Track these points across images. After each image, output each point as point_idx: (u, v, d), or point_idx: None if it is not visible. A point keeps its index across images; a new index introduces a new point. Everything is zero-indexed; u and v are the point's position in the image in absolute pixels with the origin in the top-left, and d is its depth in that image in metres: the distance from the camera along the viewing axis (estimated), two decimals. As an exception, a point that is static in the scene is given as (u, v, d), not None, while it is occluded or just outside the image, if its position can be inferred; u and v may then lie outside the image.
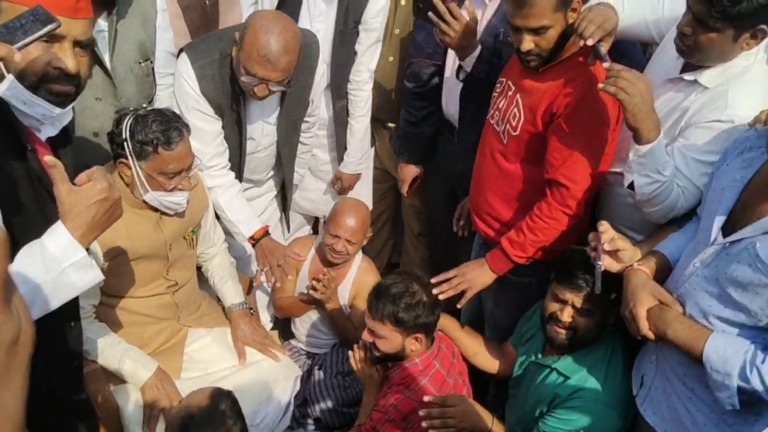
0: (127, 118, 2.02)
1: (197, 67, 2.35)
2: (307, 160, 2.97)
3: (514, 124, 2.11)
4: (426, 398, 2.15)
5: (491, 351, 2.45)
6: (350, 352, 2.38)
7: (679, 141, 1.85)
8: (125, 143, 2.00)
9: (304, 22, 2.79)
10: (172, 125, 2.03)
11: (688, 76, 1.84)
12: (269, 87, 2.26)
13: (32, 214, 1.45)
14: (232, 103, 2.44)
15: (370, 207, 3.10)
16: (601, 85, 1.76)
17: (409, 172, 2.98)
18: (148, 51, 2.45)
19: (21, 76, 1.35)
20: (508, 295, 2.33)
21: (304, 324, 2.97)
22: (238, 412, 1.74)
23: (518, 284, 2.28)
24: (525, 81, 2.09)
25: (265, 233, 2.57)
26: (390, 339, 2.16)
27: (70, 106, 1.47)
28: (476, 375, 2.44)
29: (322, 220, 3.09)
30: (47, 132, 1.48)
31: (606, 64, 1.78)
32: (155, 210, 2.18)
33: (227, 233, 2.73)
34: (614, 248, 1.79)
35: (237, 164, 2.62)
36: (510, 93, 2.14)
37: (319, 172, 3.16)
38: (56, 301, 1.38)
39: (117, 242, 2.09)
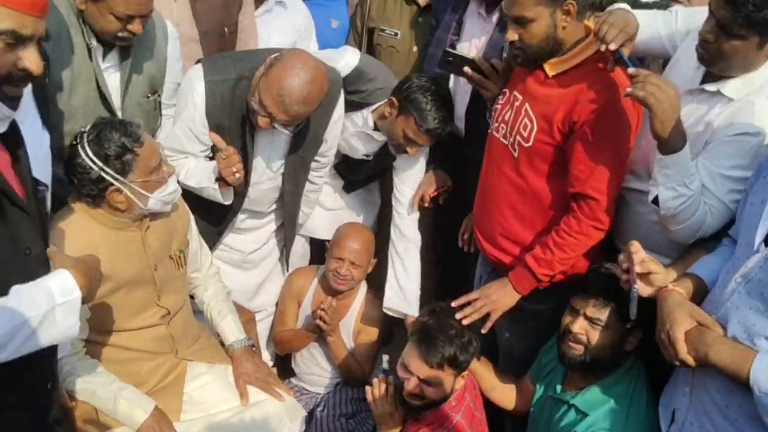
0: (82, 152, 1.92)
1: (209, 81, 2.32)
2: (314, 200, 2.91)
3: (525, 134, 2.08)
4: None
5: (508, 385, 2.38)
6: (368, 388, 2.26)
7: (703, 156, 1.82)
8: (103, 173, 1.92)
9: None
10: (125, 123, 1.98)
11: (710, 87, 1.83)
12: (273, 123, 2.24)
13: None
14: (238, 128, 2.40)
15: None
16: (629, 90, 1.73)
17: (441, 178, 2.79)
18: (157, 84, 2.40)
19: None
20: (523, 323, 2.27)
21: (305, 361, 2.87)
22: None
23: (534, 312, 2.23)
24: (534, 88, 2.07)
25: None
26: (446, 384, 2.08)
27: (19, 108, 1.45)
28: (491, 410, 2.36)
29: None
30: None
31: (631, 69, 1.76)
32: (141, 222, 2.10)
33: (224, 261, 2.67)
34: (646, 270, 1.75)
35: (241, 192, 2.56)
36: (517, 104, 2.12)
37: (326, 201, 3.06)
38: (33, 342, 1.42)
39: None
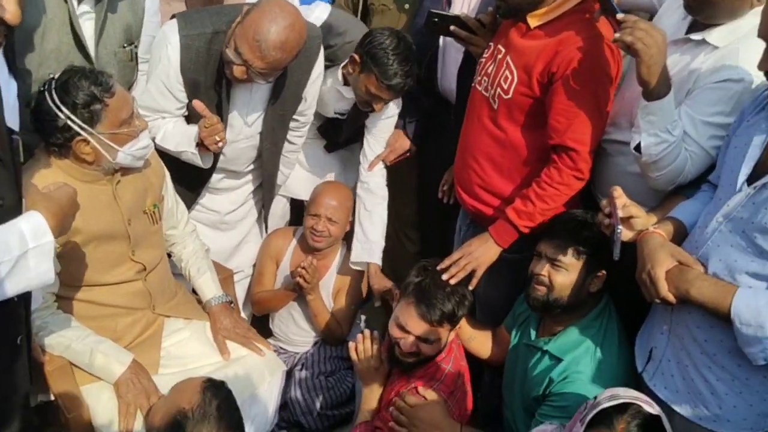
0: (48, 99, 1.86)
1: (184, 35, 2.26)
2: (293, 160, 2.88)
3: (506, 87, 2.08)
4: (420, 389, 2.08)
5: (485, 335, 2.41)
6: (351, 344, 2.26)
7: (686, 104, 1.84)
8: (69, 121, 1.86)
9: None
10: (95, 73, 1.91)
11: (695, 36, 1.84)
12: (249, 72, 2.18)
13: None
14: (213, 84, 2.35)
15: None
16: (617, 35, 1.74)
17: (404, 143, 2.84)
18: (133, 35, 2.35)
19: None
20: (499, 273, 2.28)
21: (283, 321, 2.86)
22: (235, 404, 1.61)
23: (510, 261, 2.23)
24: (517, 41, 2.07)
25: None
26: (441, 340, 2.10)
27: None
28: (471, 361, 2.37)
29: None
30: None
31: (620, 15, 1.76)
32: (112, 176, 2.05)
33: (202, 222, 2.64)
34: (628, 214, 1.77)
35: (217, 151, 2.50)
36: (500, 56, 2.12)
37: (307, 161, 3.03)
38: (7, 288, 1.40)
39: None
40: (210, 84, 2.35)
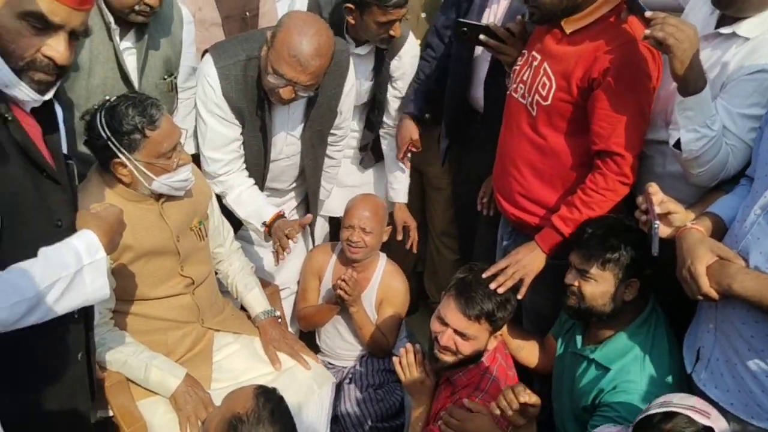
0: (98, 117, 1.97)
1: (220, 67, 2.36)
2: (334, 175, 2.97)
3: (544, 93, 2.10)
4: (466, 402, 2.08)
5: (533, 344, 2.41)
6: (395, 358, 2.29)
7: (721, 98, 1.84)
8: (110, 142, 1.96)
9: None
10: (147, 104, 1.99)
11: (725, 30, 1.85)
12: (296, 90, 2.27)
13: (25, 187, 1.46)
14: (255, 108, 2.45)
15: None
16: (647, 32, 1.75)
17: (410, 129, 2.89)
18: (173, 66, 2.47)
19: (7, 56, 1.36)
20: (544, 280, 2.26)
21: (329, 336, 2.91)
22: (287, 410, 1.66)
23: (554, 267, 2.23)
24: (553, 47, 2.10)
25: (279, 217, 2.50)
26: (479, 339, 2.11)
27: (51, 93, 1.48)
28: (520, 370, 2.38)
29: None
30: (30, 103, 1.48)
31: (648, 13, 1.78)
32: (157, 199, 2.14)
33: (246, 240, 2.72)
34: (665, 210, 1.77)
35: (261, 172, 2.62)
36: (535, 63, 2.14)
37: (344, 180, 3.13)
38: (65, 303, 1.46)
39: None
40: (252, 109, 2.45)
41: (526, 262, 2.15)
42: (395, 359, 2.28)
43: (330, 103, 2.58)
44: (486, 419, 2.01)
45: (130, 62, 2.34)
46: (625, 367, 1.99)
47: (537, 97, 2.12)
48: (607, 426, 1.90)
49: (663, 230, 1.78)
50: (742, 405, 1.72)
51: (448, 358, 2.12)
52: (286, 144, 2.62)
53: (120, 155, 1.98)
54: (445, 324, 2.10)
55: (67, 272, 1.43)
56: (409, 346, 2.28)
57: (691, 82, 1.74)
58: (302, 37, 2.18)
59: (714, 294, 1.63)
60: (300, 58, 2.18)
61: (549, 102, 2.10)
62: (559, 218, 2.12)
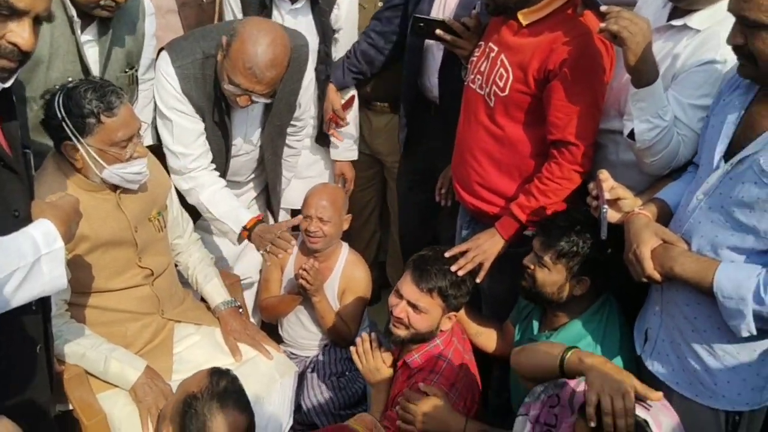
0: (57, 96, 1.96)
1: (178, 66, 2.36)
2: (294, 164, 2.99)
3: (501, 84, 2.14)
4: (421, 386, 2.13)
5: (492, 330, 2.46)
6: (352, 348, 2.34)
7: (673, 89, 1.90)
8: (64, 123, 1.94)
9: None
10: (107, 89, 1.98)
11: (676, 22, 1.90)
12: (252, 98, 2.29)
13: None
14: (214, 107, 2.45)
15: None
16: (602, 25, 1.80)
17: (333, 98, 2.95)
18: (134, 59, 2.45)
19: None
20: (504, 267, 2.33)
21: (292, 326, 2.93)
22: (242, 388, 1.68)
23: (513, 255, 2.29)
24: (509, 39, 2.14)
25: (258, 221, 2.54)
26: (431, 314, 2.16)
27: (11, 81, 1.47)
28: (479, 355, 2.43)
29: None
30: None
31: (603, 7, 1.84)
32: (114, 189, 2.13)
33: (206, 231, 2.73)
34: (615, 196, 1.83)
35: (222, 168, 2.62)
36: (493, 54, 2.18)
37: (301, 173, 3.15)
38: (24, 293, 1.45)
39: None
40: (210, 107, 2.46)
41: (486, 247, 2.21)
42: (352, 348, 2.33)
43: (289, 98, 2.60)
44: (441, 401, 2.07)
45: (91, 55, 2.30)
46: None
47: (494, 87, 2.17)
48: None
49: (612, 215, 1.84)
50: (686, 383, 1.80)
51: (401, 332, 2.18)
52: (246, 141, 2.64)
53: (72, 138, 1.96)
54: (400, 296, 2.17)
55: (25, 262, 1.43)
56: (364, 334, 2.33)
57: (644, 73, 1.80)
58: (257, 48, 2.19)
59: (657, 276, 1.70)
60: (255, 70, 2.20)
61: (506, 93, 2.14)
62: (516, 206, 2.18)
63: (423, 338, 2.19)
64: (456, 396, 2.14)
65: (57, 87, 2.00)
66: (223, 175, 2.65)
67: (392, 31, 2.85)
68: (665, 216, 1.83)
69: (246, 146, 2.65)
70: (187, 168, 2.49)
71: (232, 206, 2.55)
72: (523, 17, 2.10)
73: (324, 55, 2.89)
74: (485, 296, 2.51)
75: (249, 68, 2.20)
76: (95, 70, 2.31)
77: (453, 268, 2.16)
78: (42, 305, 1.67)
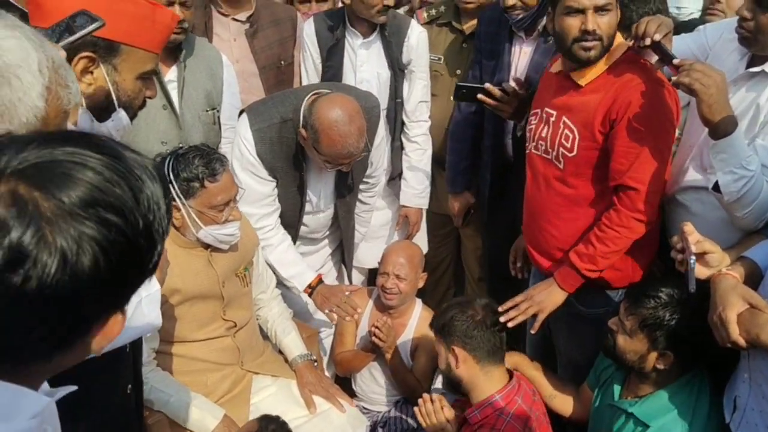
0: (168, 159, 2.13)
1: (256, 130, 2.52)
2: (367, 219, 3.08)
3: (568, 145, 2.16)
4: None
5: (567, 393, 2.42)
6: (416, 408, 2.34)
7: (760, 137, 1.88)
8: (171, 185, 2.10)
9: (347, 73, 2.99)
10: (212, 157, 2.14)
11: (755, 69, 1.89)
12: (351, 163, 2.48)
13: None
14: (290, 167, 2.59)
15: (425, 249, 3.18)
16: (674, 78, 1.82)
17: (461, 202, 3.08)
18: (215, 101, 2.64)
19: (127, 107, 1.54)
20: (580, 329, 2.32)
21: (365, 381, 2.96)
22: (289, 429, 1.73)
23: (591, 317, 2.27)
24: (568, 101, 2.17)
25: (320, 281, 2.68)
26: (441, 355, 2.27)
27: None
28: (553, 419, 2.39)
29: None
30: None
31: (676, 60, 1.85)
32: (206, 247, 2.27)
33: (286, 286, 2.83)
34: (701, 250, 1.78)
35: (294, 225, 2.75)
36: (552, 119, 2.21)
37: (374, 233, 3.24)
38: (129, 333, 1.54)
39: (169, 283, 2.11)
40: (287, 168, 2.60)
41: (541, 298, 2.21)
42: (415, 408, 2.33)
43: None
44: None
45: (172, 93, 2.52)
46: (666, 426, 1.98)
47: (562, 150, 2.19)
48: None
49: (700, 271, 1.78)
50: (776, 455, 1.71)
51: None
52: (321, 198, 2.76)
53: (176, 199, 2.12)
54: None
55: (130, 305, 1.54)
56: (426, 395, 2.32)
57: (721, 125, 1.79)
58: (342, 127, 2.34)
59: (742, 342, 1.65)
60: (344, 151, 2.38)
61: (575, 153, 2.15)
62: (575, 253, 2.16)
63: (460, 387, 2.28)
64: None
65: (168, 151, 2.20)
66: (297, 232, 2.76)
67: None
68: (754, 276, 1.77)
69: (320, 203, 2.77)
70: (253, 227, 2.59)
71: (301, 267, 2.69)
72: (579, 79, 2.13)
73: (394, 90, 3.01)
74: (562, 360, 2.48)
75: (347, 154, 2.38)
76: (176, 104, 2.52)
77: (502, 319, 2.19)
78: (133, 348, 1.77)
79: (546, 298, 2.20)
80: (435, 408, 2.27)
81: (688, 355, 1.98)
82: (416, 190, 3.15)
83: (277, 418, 1.76)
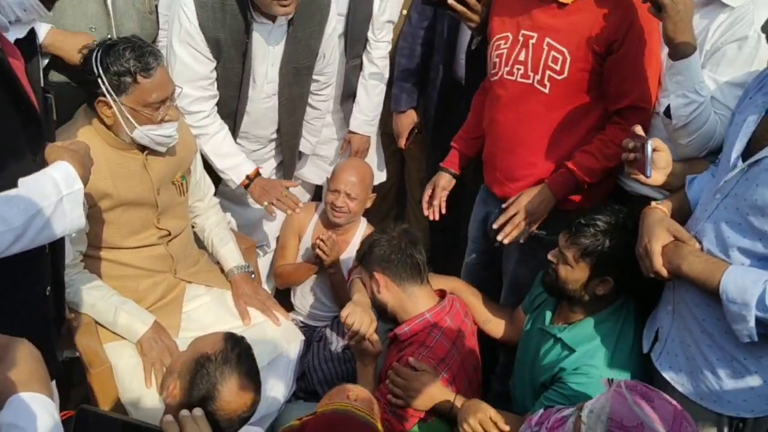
0: (95, 51, 2.00)
1: None
2: (318, 128, 3.00)
3: (557, 68, 2.11)
4: (411, 360, 2.13)
5: (502, 317, 2.46)
6: (342, 316, 2.34)
7: (707, 67, 1.88)
8: (100, 80, 1.99)
9: None
10: (145, 50, 2.01)
11: None
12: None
13: (8, 114, 1.48)
14: (234, 39, 2.44)
15: (383, 173, 3.15)
16: None
17: (405, 121, 3.01)
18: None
19: None
20: (534, 252, 2.30)
21: (305, 295, 2.99)
22: (253, 357, 1.71)
23: (546, 242, 2.25)
24: (551, 21, 2.10)
25: (258, 174, 2.59)
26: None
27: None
28: (487, 344, 2.45)
29: (324, 187, 3.11)
30: (15, 34, 1.51)
31: None
32: (142, 150, 2.17)
33: (227, 198, 2.78)
34: (655, 145, 1.77)
35: (235, 108, 2.62)
36: (533, 41, 2.14)
37: (321, 149, 3.17)
38: (47, 233, 1.49)
39: (99, 186, 2.06)
40: (230, 41, 2.45)
41: (534, 208, 2.18)
42: (341, 316, 2.25)
43: (309, 41, 2.59)
44: (429, 376, 2.08)
45: None
46: (590, 352, 2.04)
47: (549, 72, 2.12)
48: (558, 406, 1.95)
49: (654, 178, 1.79)
50: (692, 386, 1.78)
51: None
52: (266, 81, 2.61)
53: (106, 95, 2.01)
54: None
55: (48, 202, 1.47)
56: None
57: (682, 45, 1.78)
58: None
59: (665, 272, 1.69)
60: None
61: (565, 75, 2.10)
62: (574, 163, 2.14)
63: (386, 312, 2.26)
64: (445, 370, 2.14)
65: (96, 43, 2.05)
66: (240, 117, 2.65)
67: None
68: (683, 212, 1.81)
69: (266, 87, 2.62)
70: (185, 109, 2.45)
71: (237, 158, 2.59)
72: None
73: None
74: (508, 280, 2.49)
75: None
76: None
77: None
78: (53, 249, 1.73)
79: (538, 206, 2.18)
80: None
81: (625, 278, 2.02)
82: (367, 117, 3.07)
83: (242, 339, 1.72)
